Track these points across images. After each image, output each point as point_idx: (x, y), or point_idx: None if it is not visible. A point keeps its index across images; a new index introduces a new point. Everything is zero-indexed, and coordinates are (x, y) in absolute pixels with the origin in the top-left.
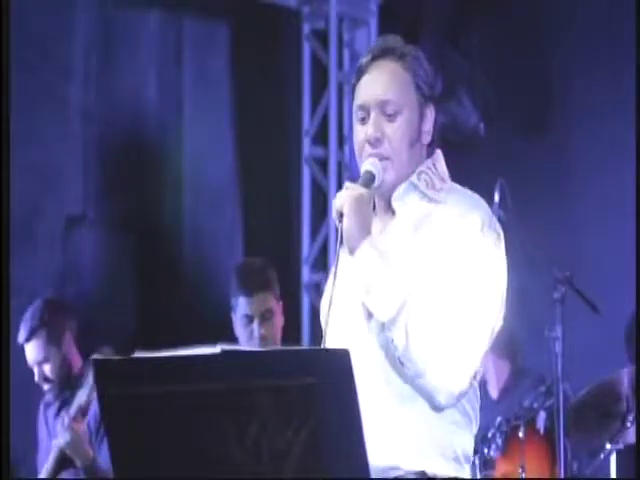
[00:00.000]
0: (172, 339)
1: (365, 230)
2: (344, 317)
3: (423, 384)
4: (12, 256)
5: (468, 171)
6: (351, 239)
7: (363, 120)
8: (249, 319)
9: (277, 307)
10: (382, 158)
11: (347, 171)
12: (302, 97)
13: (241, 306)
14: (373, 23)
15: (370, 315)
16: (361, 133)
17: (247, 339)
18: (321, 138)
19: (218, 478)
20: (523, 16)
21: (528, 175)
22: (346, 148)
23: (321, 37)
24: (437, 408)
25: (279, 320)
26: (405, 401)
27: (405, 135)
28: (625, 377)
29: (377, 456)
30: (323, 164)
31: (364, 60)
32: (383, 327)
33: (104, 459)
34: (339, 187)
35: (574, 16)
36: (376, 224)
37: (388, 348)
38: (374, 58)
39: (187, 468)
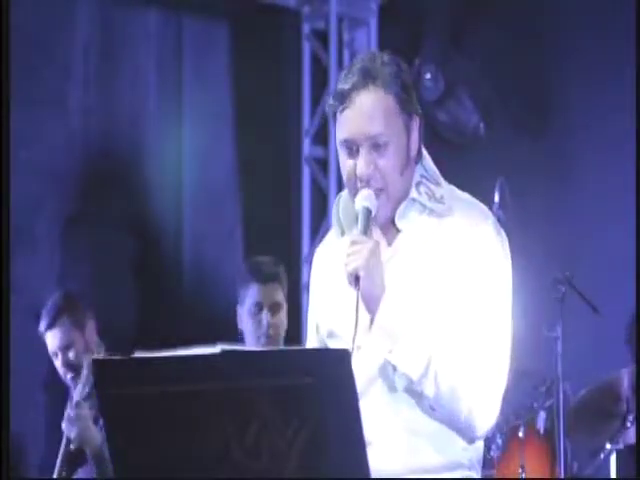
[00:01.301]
0: (172, 339)
1: (383, 289)
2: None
3: (460, 424)
4: (12, 256)
5: (468, 171)
6: (371, 302)
7: (350, 151)
8: (259, 307)
9: (284, 304)
10: (376, 190)
11: None
12: (302, 97)
13: (251, 294)
14: (373, 23)
15: (394, 371)
16: (349, 165)
17: (255, 328)
18: (321, 138)
19: (218, 478)
20: (523, 16)
21: (528, 175)
22: None
23: (321, 37)
24: (472, 440)
25: (285, 317)
26: (425, 414)
27: (397, 164)
28: (625, 377)
29: (394, 469)
30: (323, 164)
31: (345, 88)
32: (411, 381)
33: None
34: (339, 187)
35: (574, 16)
36: (376, 236)
37: (418, 397)
38: (355, 87)
39: (187, 468)
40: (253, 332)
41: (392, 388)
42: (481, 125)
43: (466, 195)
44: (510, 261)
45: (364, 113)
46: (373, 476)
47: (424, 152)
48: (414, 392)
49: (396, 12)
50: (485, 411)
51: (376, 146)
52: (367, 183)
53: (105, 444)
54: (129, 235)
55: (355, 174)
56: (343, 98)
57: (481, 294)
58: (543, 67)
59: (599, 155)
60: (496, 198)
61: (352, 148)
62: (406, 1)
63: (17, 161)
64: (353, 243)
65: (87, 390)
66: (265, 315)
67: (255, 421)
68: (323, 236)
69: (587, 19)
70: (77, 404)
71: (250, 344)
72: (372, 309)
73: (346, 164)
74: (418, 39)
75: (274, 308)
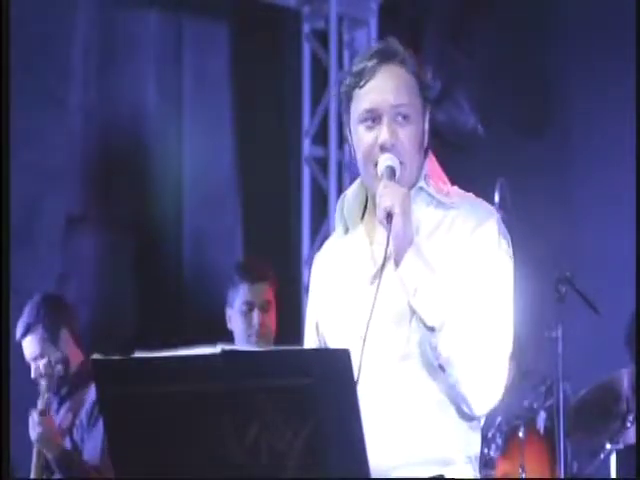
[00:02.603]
0: (172, 339)
1: (413, 231)
2: (378, 323)
3: (462, 393)
4: (12, 255)
5: (468, 171)
6: (402, 240)
7: (371, 124)
8: (249, 307)
9: (274, 303)
10: None
11: (347, 171)
12: (302, 97)
13: (241, 294)
14: (373, 23)
15: (413, 317)
16: (369, 137)
17: (245, 328)
18: (321, 138)
19: (218, 478)
20: (523, 16)
21: (528, 175)
22: (346, 148)
23: (321, 37)
24: (471, 417)
25: (275, 316)
26: (433, 406)
27: (416, 140)
28: (625, 377)
29: (395, 463)
30: (323, 164)
31: (369, 64)
32: (428, 332)
33: (90, 451)
34: (339, 187)
35: (574, 16)
36: (381, 232)
37: (430, 353)
38: (378, 63)
39: (187, 468)
40: (244, 331)
41: (403, 358)
42: (479, 127)
43: (470, 194)
44: (510, 253)
45: (388, 84)
46: (373, 469)
47: (430, 153)
48: (429, 345)
49: (396, 12)
50: (488, 390)
51: (398, 116)
52: (389, 152)
53: (70, 451)
54: (129, 235)
55: (376, 144)
56: (364, 74)
57: (486, 284)
58: (543, 67)
59: (599, 155)
60: (496, 198)
61: (374, 119)
62: (406, 1)
63: (17, 161)
64: (385, 186)
65: (45, 399)
66: (256, 314)
67: (255, 421)
68: (323, 236)
69: (587, 19)
70: (41, 412)
71: (240, 344)
72: (401, 249)
73: (365, 138)
74: (418, 39)
75: (264, 307)
